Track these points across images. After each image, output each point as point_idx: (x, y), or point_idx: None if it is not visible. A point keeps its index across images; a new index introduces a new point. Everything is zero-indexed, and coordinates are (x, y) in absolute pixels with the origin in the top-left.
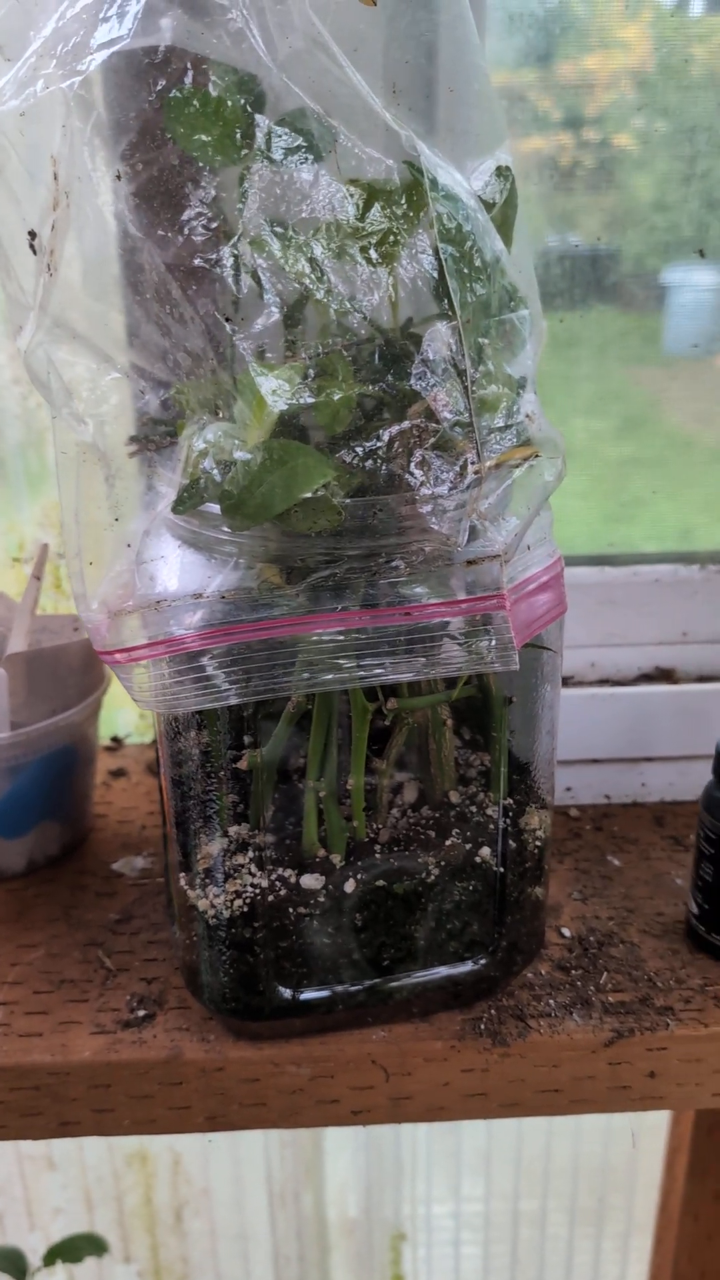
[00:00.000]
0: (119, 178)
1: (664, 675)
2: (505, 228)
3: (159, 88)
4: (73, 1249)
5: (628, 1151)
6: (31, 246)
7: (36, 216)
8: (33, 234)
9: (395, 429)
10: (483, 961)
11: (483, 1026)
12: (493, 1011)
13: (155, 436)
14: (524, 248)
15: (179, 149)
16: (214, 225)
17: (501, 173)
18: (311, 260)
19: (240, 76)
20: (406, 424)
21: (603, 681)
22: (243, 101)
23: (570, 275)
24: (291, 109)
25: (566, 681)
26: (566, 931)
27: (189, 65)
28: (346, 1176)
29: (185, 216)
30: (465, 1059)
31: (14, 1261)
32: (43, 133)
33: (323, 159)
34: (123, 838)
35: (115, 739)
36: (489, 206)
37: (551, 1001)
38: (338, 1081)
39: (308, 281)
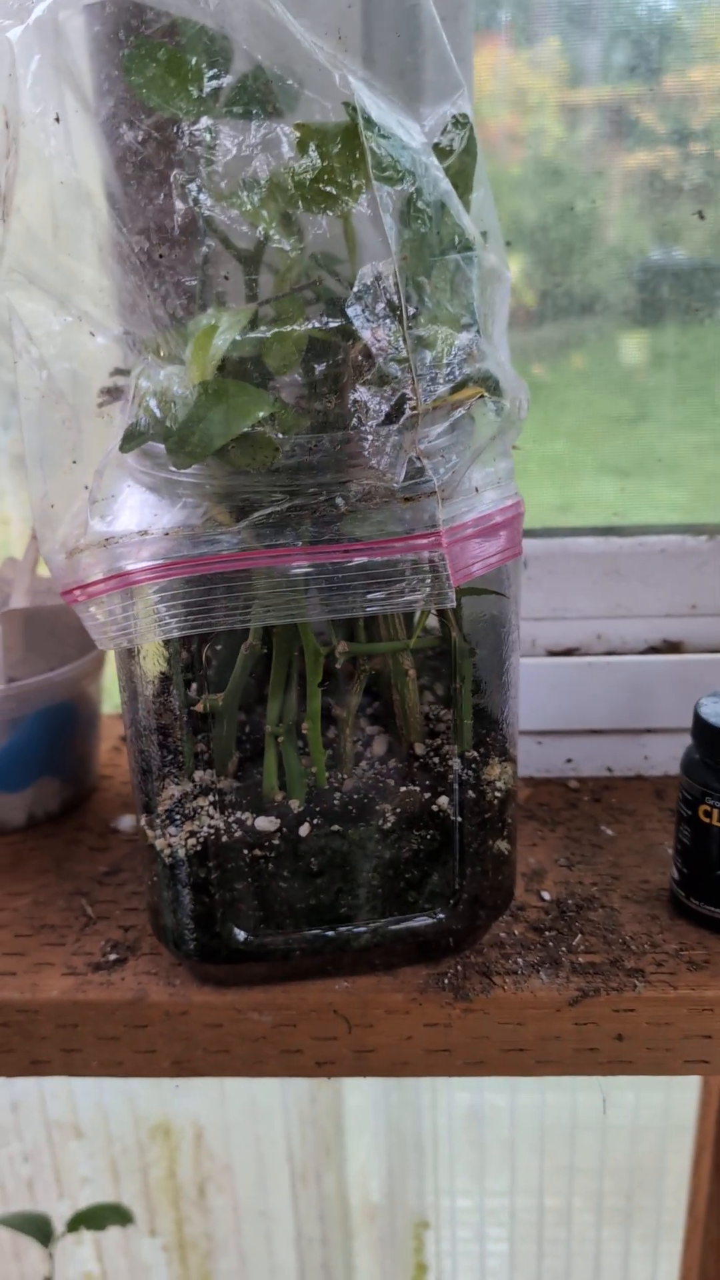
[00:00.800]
0: (57, 119)
1: (671, 648)
2: (464, 175)
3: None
4: (97, 1217)
5: (655, 1151)
6: None
7: None
8: None
9: (326, 364)
10: (441, 915)
11: (446, 981)
12: (458, 967)
13: (119, 387)
14: (484, 196)
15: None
16: (181, 182)
17: (458, 121)
18: (263, 203)
19: (206, 33)
20: (342, 360)
21: (609, 653)
22: (204, 58)
23: (676, 290)
24: (251, 67)
25: (572, 652)
26: (546, 895)
27: (160, 23)
28: (368, 1160)
29: (147, 159)
30: (427, 1013)
31: (40, 1227)
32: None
33: (281, 115)
34: (124, 798)
35: None
36: (445, 154)
37: (520, 960)
38: (300, 1031)
39: (264, 228)
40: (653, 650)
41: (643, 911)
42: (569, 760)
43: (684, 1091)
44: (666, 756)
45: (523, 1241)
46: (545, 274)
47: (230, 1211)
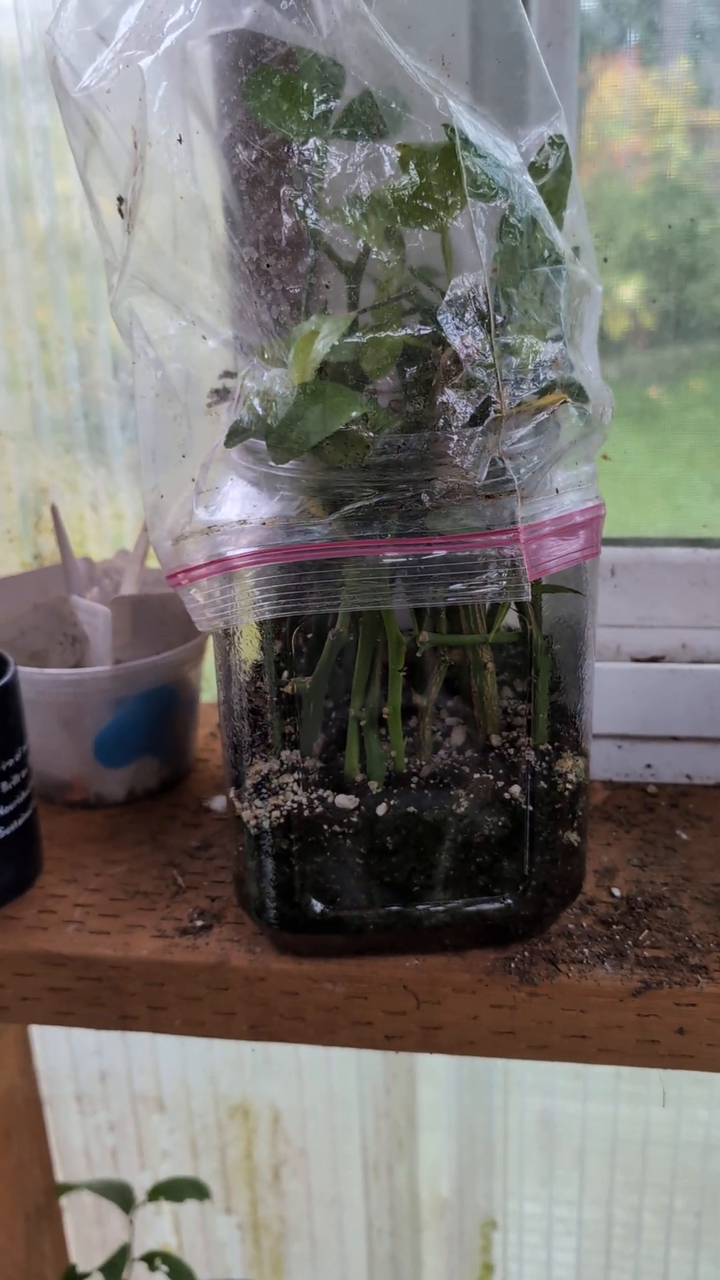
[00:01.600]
0: (180, 140)
1: None
2: (558, 193)
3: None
4: (176, 1189)
5: None
6: (120, 210)
7: (124, 183)
8: (121, 199)
9: (417, 368)
10: (510, 900)
11: (513, 965)
12: (526, 953)
13: (226, 389)
14: (578, 212)
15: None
16: (289, 198)
17: (554, 141)
18: (365, 217)
19: (319, 60)
20: (432, 365)
21: (693, 662)
22: (316, 83)
23: None
24: (359, 92)
25: (656, 660)
26: (617, 891)
27: (278, 52)
28: (439, 1156)
29: (260, 176)
30: (493, 994)
31: (122, 1194)
32: (130, 106)
33: (386, 136)
34: (218, 780)
35: None
36: (541, 172)
37: (586, 950)
38: (371, 1004)
39: (365, 241)
40: None
41: (711, 913)
42: (648, 765)
43: None
44: None
45: (590, 1254)
46: (666, 295)
47: (304, 1197)
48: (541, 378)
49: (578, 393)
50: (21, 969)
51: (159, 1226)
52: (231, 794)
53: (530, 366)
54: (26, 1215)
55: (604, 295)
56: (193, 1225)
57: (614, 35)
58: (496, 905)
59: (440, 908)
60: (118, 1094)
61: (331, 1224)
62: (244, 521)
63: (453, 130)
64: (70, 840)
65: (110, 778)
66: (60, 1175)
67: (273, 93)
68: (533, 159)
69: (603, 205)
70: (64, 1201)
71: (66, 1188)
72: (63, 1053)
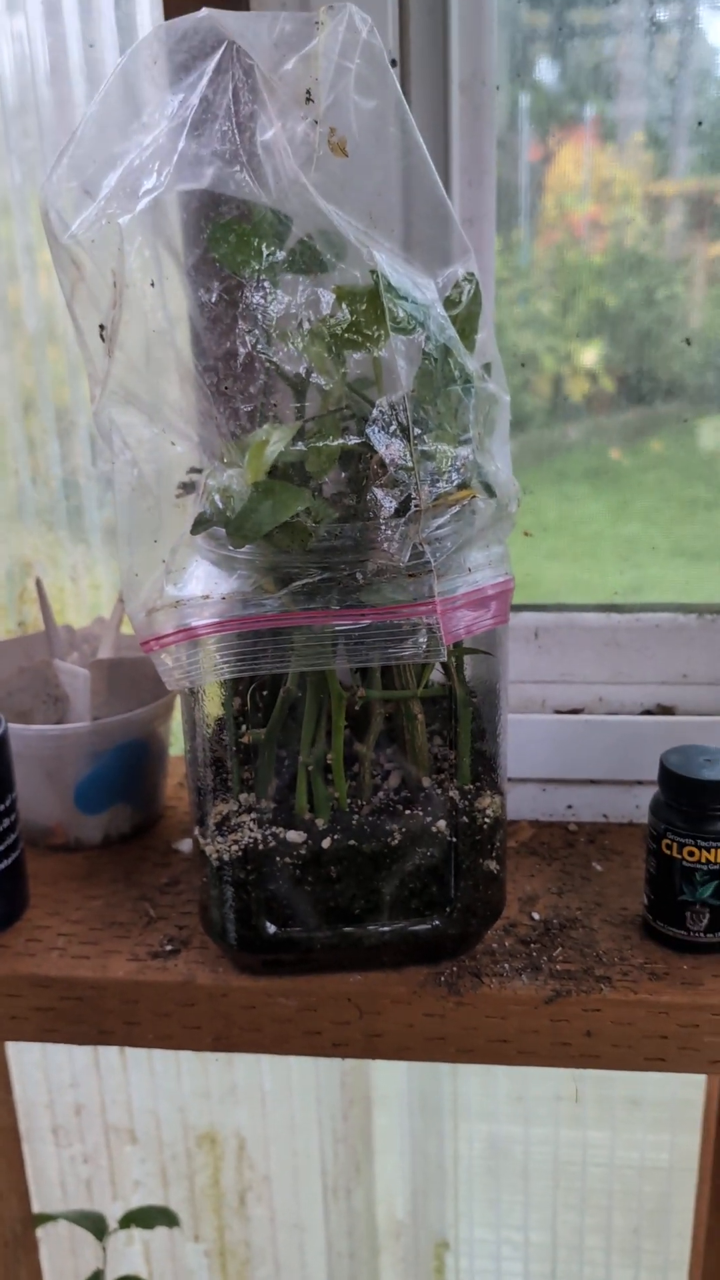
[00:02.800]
0: (153, 284)
1: (664, 711)
2: (470, 321)
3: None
4: (146, 1217)
5: (662, 1190)
6: (101, 336)
7: (105, 314)
8: (102, 326)
9: (352, 471)
10: (438, 921)
11: (442, 979)
12: (454, 968)
13: (194, 482)
14: (488, 336)
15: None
16: (243, 332)
17: (467, 278)
18: (307, 346)
19: (271, 213)
20: (364, 468)
21: (609, 714)
22: (268, 235)
23: None
24: (295, 239)
25: (577, 712)
26: (536, 915)
27: (235, 205)
28: (394, 1178)
29: (221, 314)
30: (426, 1004)
31: (96, 1223)
32: (110, 253)
33: (327, 271)
34: (186, 825)
35: None
36: (455, 304)
37: (507, 965)
38: (320, 1015)
39: (308, 362)
40: (648, 712)
41: (617, 932)
42: (570, 806)
43: (689, 1134)
44: None
45: (537, 1264)
46: (626, 360)
47: (268, 1221)
48: (454, 478)
49: (486, 489)
50: (11, 990)
51: (130, 1255)
52: (196, 832)
53: (445, 469)
54: (4, 1244)
55: (567, 359)
56: (162, 1253)
57: (572, 110)
58: (427, 926)
59: (379, 929)
60: (92, 1126)
61: (294, 1248)
62: (207, 596)
63: (378, 276)
64: (53, 879)
65: (89, 823)
66: (36, 1206)
67: (231, 245)
68: (449, 293)
69: (563, 273)
70: (39, 1232)
71: (43, 1218)
72: (39, 1087)
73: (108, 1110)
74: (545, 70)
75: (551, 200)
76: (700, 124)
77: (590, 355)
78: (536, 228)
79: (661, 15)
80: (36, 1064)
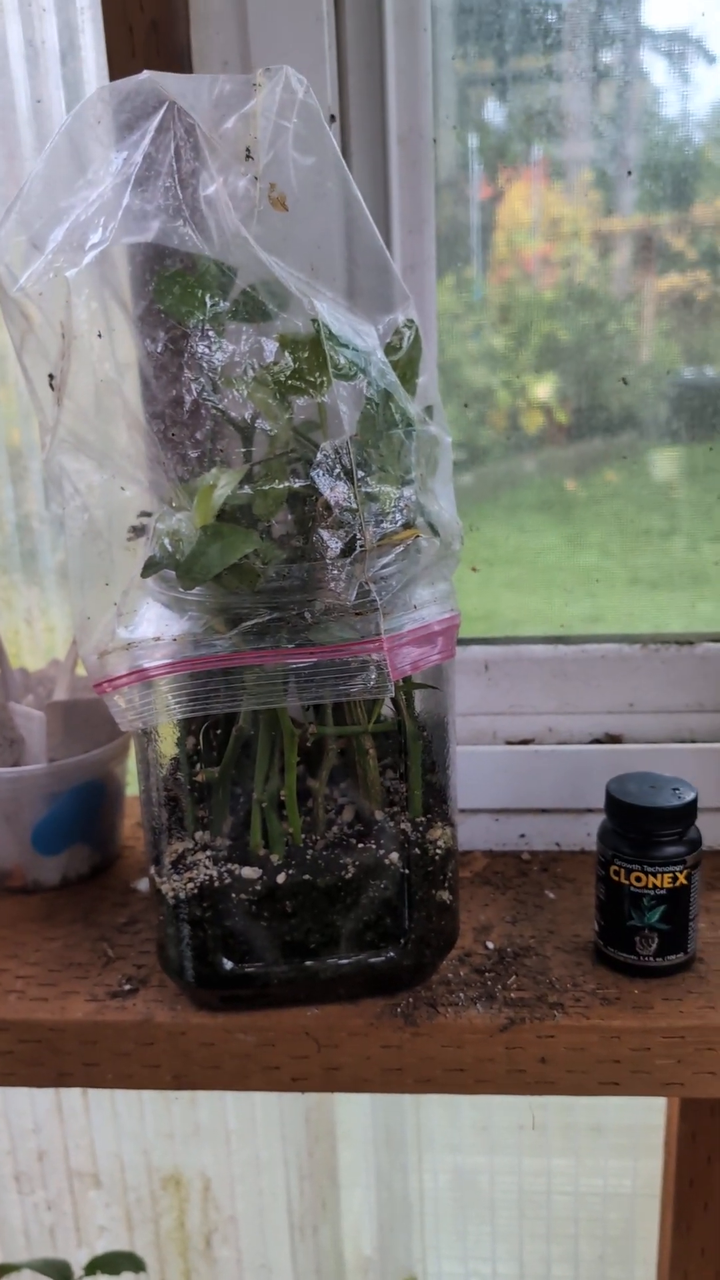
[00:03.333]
0: (100, 335)
1: (612, 739)
2: (411, 365)
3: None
4: (112, 1263)
5: (626, 1217)
6: (50, 385)
7: (54, 364)
8: (51, 376)
9: (298, 513)
10: (392, 953)
11: (399, 1010)
12: (410, 999)
13: (144, 525)
14: (429, 380)
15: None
16: (188, 380)
17: (407, 324)
18: (252, 393)
19: (215, 264)
20: (310, 510)
21: (559, 744)
22: (212, 284)
23: (706, 406)
24: (238, 289)
25: (527, 742)
26: (490, 945)
27: (180, 257)
28: (361, 1214)
29: (167, 362)
30: (383, 1035)
31: (60, 1271)
32: (58, 305)
33: (270, 319)
34: (143, 865)
35: None
36: (395, 350)
37: (462, 995)
38: (278, 1050)
39: (253, 408)
40: (596, 741)
41: (570, 959)
42: (522, 835)
43: (651, 1159)
44: None
45: None
46: (579, 393)
47: (234, 1263)
48: (398, 518)
49: (430, 528)
50: None
51: None
52: (152, 871)
53: (389, 509)
54: None
55: (521, 393)
56: None
57: (523, 150)
58: (382, 958)
59: (335, 962)
60: (55, 1171)
61: None
62: (158, 638)
63: (319, 325)
64: (11, 922)
65: (46, 865)
66: (0, 1255)
67: (176, 295)
68: (390, 340)
69: (515, 309)
70: None
71: (7, 1268)
72: (1, 1134)
73: (71, 1155)
74: (493, 112)
75: (502, 237)
76: (630, 173)
77: (544, 389)
78: (488, 264)
79: (605, 58)
80: None
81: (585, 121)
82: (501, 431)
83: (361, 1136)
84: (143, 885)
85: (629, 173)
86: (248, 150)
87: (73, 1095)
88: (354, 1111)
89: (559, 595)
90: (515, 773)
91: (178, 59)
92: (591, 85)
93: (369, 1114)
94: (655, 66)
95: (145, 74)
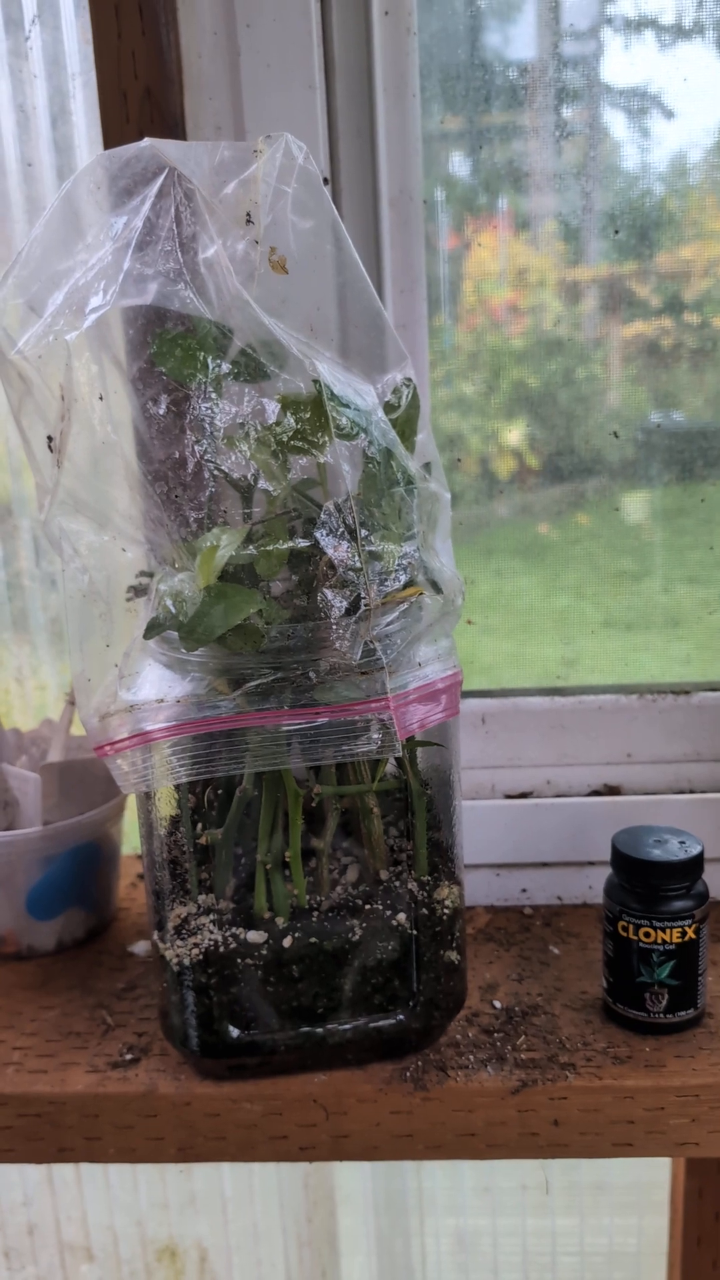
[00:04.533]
0: (100, 398)
1: (611, 791)
2: (409, 423)
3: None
4: None
5: (631, 1271)
6: (49, 447)
7: (53, 426)
8: (50, 438)
9: (301, 572)
10: (401, 1016)
11: (408, 1074)
12: (418, 1063)
13: (144, 585)
14: (427, 437)
15: (165, 375)
16: (191, 443)
17: (405, 383)
18: (254, 453)
19: (214, 326)
20: (313, 569)
21: (558, 796)
22: (211, 346)
23: (674, 450)
24: (237, 350)
25: (526, 795)
26: (498, 1004)
27: (177, 318)
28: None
29: (169, 424)
30: (392, 1101)
31: None
32: (58, 368)
33: (268, 379)
34: (140, 927)
35: None
36: (394, 408)
37: (471, 1057)
38: (285, 1119)
39: (255, 469)
40: (595, 793)
41: (579, 1017)
42: (524, 890)
43: (657, 1217)
44: None
45: None
46: (549, 438)
47: None
48: (401, 576)
49: (433, 586)
50: None
51: None
52: (155, 936)
53: (392, 567)
54: None
55: (493, 438)
56: None
57: (487, 202)
58: (390, 1021)
59: (342, 1026)
60: (46, 1246)
61: None
62: (161, 700)
63: (320, 385)
64: (6, 989)
65: (41, 930)
66: None
67: (178, 358)
68: (388, 398)
69: (484, 356)
70: None
71: None
72: None
73: (62, 1228)
74: (458, 165)
75: (470, 287)
76: (613, 213)
77: (515, 434)
78: (458, 314)
79: (567, 114)
80: None
81: (549, 175)
82: (474, 477)
83: (361, 1201)
84: (139, 949)
85: (595, 224)
86: (248, 215)
87: (64, 1166)
88: (354, 1175)
89: (537, 638)
90: (516, 827)
91: (171, 125)
92: (555, 140)
93: (369, 1178)
94: (615, 122)
95: (146, 141)
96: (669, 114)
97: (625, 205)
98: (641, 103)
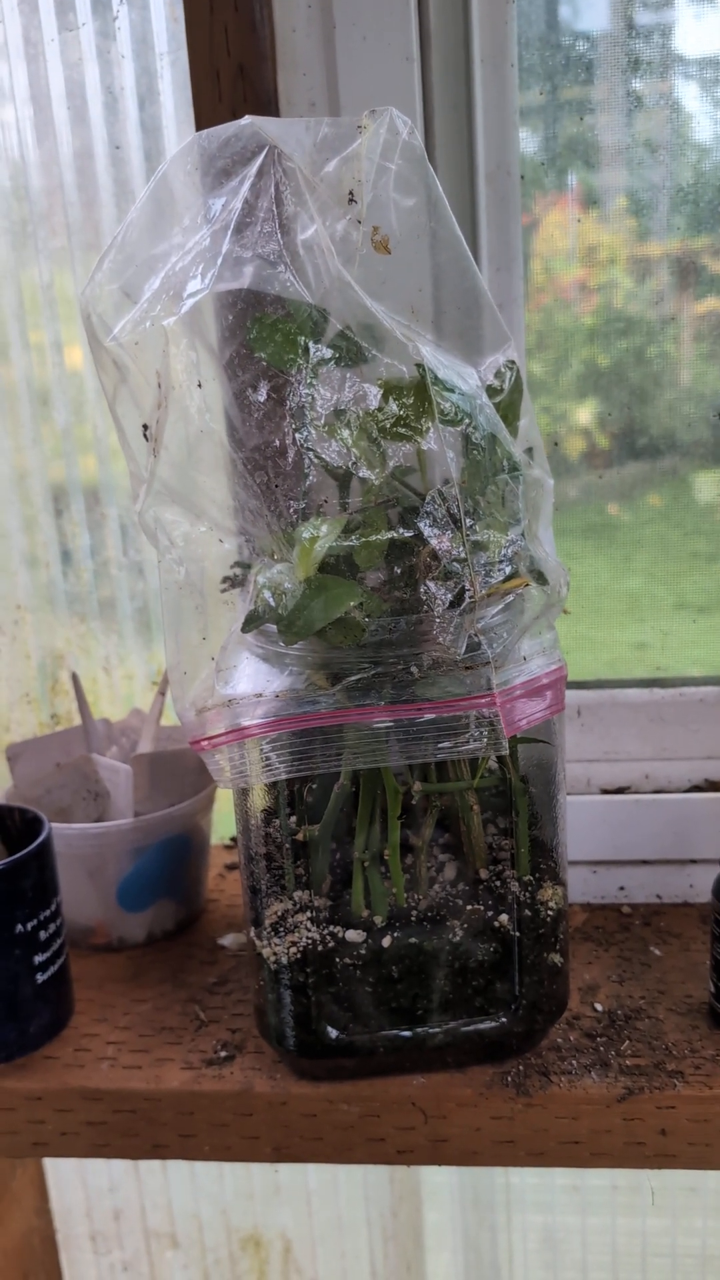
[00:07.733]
0: (199, 385)
1: (712, 786)
2: (512, 408)
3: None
4: None
5: None
6: (145, 435)
7: (149, 414)
8: (145, 426)
9: (403, 564)
10: (503, 1019)
11: (509, 1079)
12: (520, 1067)
13: (239, 576)
14: (529, 422)
15: (264, 361)
16: (292, 430)
17: (508, 365)
18: (354, 441)
19: (310, 310)
20: (415, 560)
21: (656, 791)
22: (310, 331)
23: None
24: (334, 334)
25: (623, 790)
26: (599, 1006)
27: (273, 302)
28: (447, 1277)
29: (268, 411)
30: (493, 1106)
31: None
32: (154, 354)
33: (363, 364)
34: (229, 919)
35: (233, 839)
36: (497, 391)
37: (574, 1062)
38: (383, 1121)
39: (355, 456)
40: (695, 789)
41: (685, 1022)
42: (622, 888)
43: None
44: (709, 884)
45: None
46: (620, 417)
47: None
48: (505, 567)
49: (538, 576)
50: (62, 1105)
51: None
52: (251, 932)
53: (497, 559)
54: None
55: (562, 419)
56: None
57: (557, 179)
58: (492, 1024)
59: (442, 1029)
60: (131, 1232)
61: None
62: (259, 695)
63: (424, 370)
64: (98, 982)
65: (131, 921)
66: None
67: (278, 343)
68: (490, 381)
69: (554, 335)
70: None
71: None
72: (77, 1193)
73: (147, 1215)
74: (527, 140)
75: (539, 265)
76: (684, 187)
77: (585, 414)
78: (527, 292)
79: (637, 85)
80: (73, 1169)
81: (620, 148)
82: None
83: (448, 1197)
84: (229, 941)
85: (666, 199)
86: (350, 193)
87: None
88: (440, 1170)
89: (608, 620)
90: (613, 823)
91: (265, 103)
92: (626, 113)
93: (456, 1173)
94: (687, 94)
95: (247, 119)
96: None
97: (698, 176)
98: (715, 73)
